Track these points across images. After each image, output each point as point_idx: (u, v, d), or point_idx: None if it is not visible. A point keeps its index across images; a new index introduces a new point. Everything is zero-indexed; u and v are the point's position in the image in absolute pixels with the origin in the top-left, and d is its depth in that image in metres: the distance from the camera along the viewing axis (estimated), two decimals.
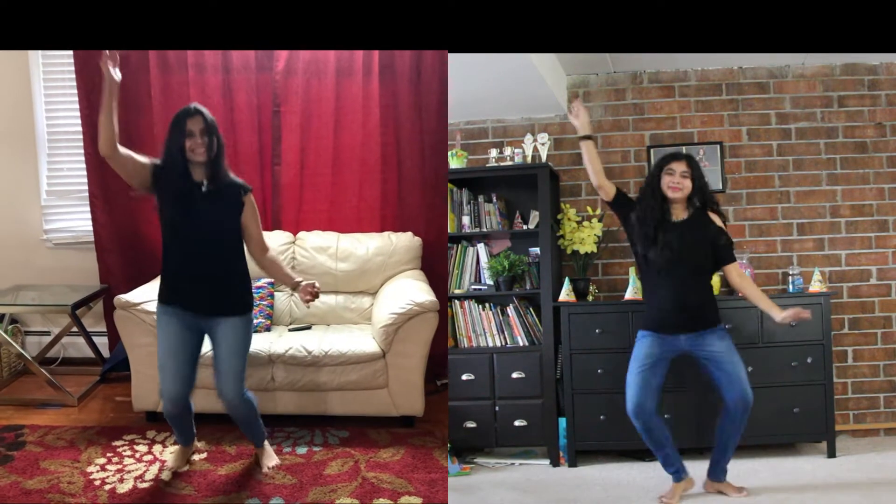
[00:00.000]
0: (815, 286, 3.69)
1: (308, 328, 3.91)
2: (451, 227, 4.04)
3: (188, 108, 2.70)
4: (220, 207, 2.76)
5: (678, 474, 3.10)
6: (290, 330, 3.87)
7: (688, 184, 3.02)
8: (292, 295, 4.10)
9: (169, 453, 3.21)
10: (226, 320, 2.79)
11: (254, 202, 2.87)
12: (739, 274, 3.10)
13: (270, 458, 3.09)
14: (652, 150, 4.15)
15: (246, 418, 2.96)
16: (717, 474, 3.11)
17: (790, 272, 3.84)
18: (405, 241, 4.15)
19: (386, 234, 4.20)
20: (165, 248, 2.79)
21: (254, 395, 2.96)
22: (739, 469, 3.43)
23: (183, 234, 2.73)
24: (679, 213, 3.06)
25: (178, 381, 2.80)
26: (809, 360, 3.56)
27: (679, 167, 3.03)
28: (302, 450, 3.27)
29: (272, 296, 4.02)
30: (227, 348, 2.80)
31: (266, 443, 3.13)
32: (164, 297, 2.82)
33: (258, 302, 3.88)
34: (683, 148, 4.11)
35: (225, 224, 2.79)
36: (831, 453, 3.57)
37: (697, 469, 3.35)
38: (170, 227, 2.76)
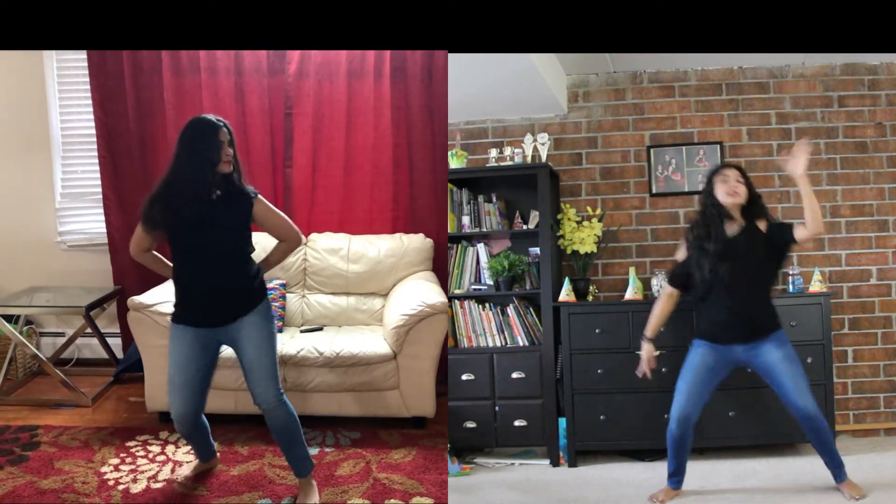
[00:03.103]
0: (815, 286, 3.69)
1: (320, 329, 3.92)
2: (450, 227, 4.04)
3: (213, 122, 2.58)
4: (230, 216, 2.66)
5: (679, 483, 3.12)
6: (301, 331, 3.88)
7: (743, 189, 2.97)
8: (304, 296, 4.10)
9: (182, 453, 3.22)
10: (244, 320, 2.68)
11: (264, 201, 2.77)
12: (802, 225, 2.91)
13: (312, 497, 2.79)
14: (652, 150, 4.15)
15: (287, 429, 2.72)
16: (834, 477, 3.04)
17: (790, 272, 3.84)
18: (416, 243, 4.14)
19: (397, 235, 4.20)
20: (176, 265, 2.71)
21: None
22: (739, 469, 3.43)
23: (195, 248, 2.65)
24: (733, 227, 2.98)
25: (185, 399, 2.71)
26: (809, 360, 3.56)
27: (733, 174, 2.99)
28: (314, 451, 3.28)
29: (284, 297, 4.02)
30: (253, 348, 2.67)
31: (311, 477, 2.84)
32: (176, 316, 2.72)
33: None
34: (683, 148, 4.13)
35: (235, 232, 2.70)
36: None
37: (694, 469, 3.35)
38: (181, 241, 2.66)
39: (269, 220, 2.79)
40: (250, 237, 2.76)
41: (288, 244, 2.89)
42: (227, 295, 2.67)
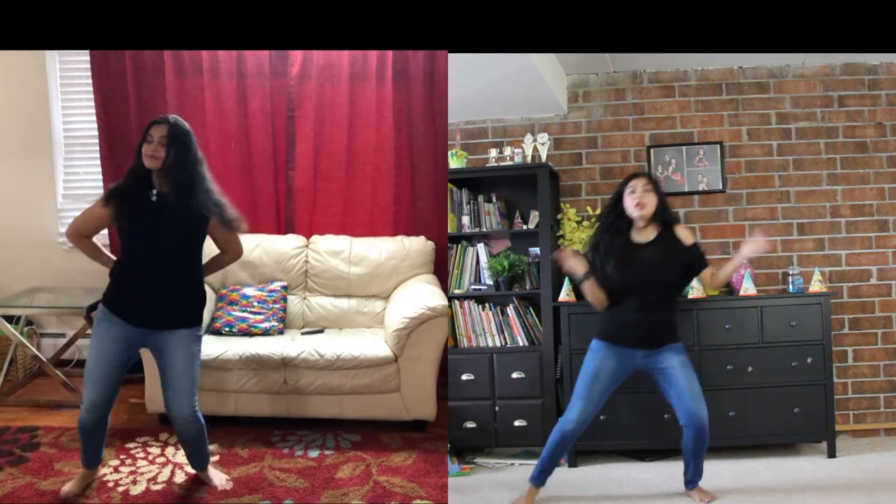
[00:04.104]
0: (815, 286, 3.68)
1: (320, 332, 3.91)
2: (450, 227, 4.04)
3: (159, 117, 2.68)
4: (177, 222, 2.65)
5: (542, 479, 3.09)
6: (302, 334, 3.87)
7: (651, 199, 2.95)
8: (305, 298, 4.12)
9: (182, 455, 3.16)
10: (175, 333, 2.69)
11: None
12: (711, 273, 3.07)
13: (217, 477, 2.95)
14: (652, 150, 4.15)
15: (196, 438, 2.82)
16: (685, 484, 3.08)
17: (790, 272, 3.84)
18: (418, 245, 4.14)
19: (399, 238, 4.19)
20: (121, 258, 2.75)
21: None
22: (739, 469, 3.43)
23: (135, 246, 2.68)
24: (646, 234, 3.00)
25: (102, 391, 2.69)
26: (809, 360, 3.56)
27: (639, 183, 2.97)
28: (314, 453, 3.27)
29: (285, 299, 4.02)
30: (179, 362, 2.69)
31: (209, 466, 2.98)
32: (109, 303, 2.70)
33: (271, 305, 3.90)
34: (683, 148, 4.13)
35: (180, 240, 2.69)
36: (831, 453, 3.57)
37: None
38: (124, 237, 2.70)
39: (219, 234, 2.82)
40: (200, 246, 2.77)
41: (230, 257, 2.94)
42: (164, 299, 2.68)
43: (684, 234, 3.01)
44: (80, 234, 2.82)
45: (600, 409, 3.61)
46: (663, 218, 3.00)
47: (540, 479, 3.08)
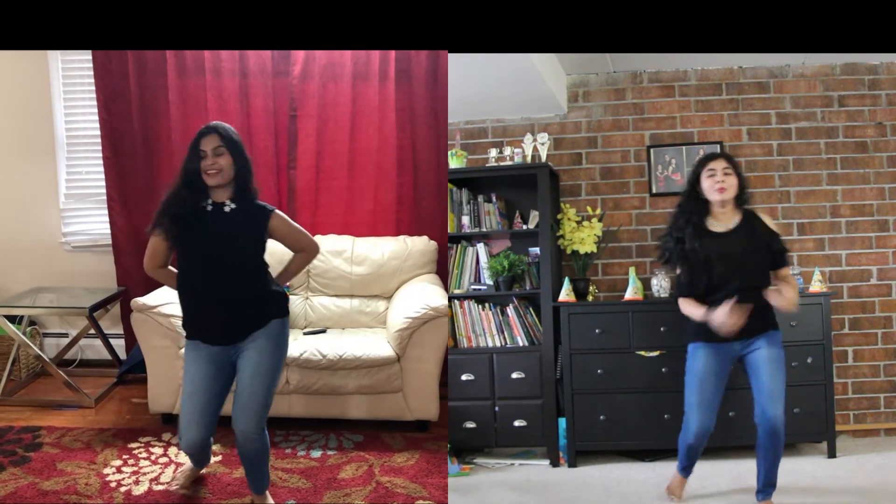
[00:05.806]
0: (816, 286, 3.68)
1: (323, 332, 3.91)
2: (450, 227, 4.04)
3: (204, 127, 2.53)
4: (241, 230, 2.55)
5: (686, 472, 3.08)
6: (304, 333, 3.87)
7: (732, 181, 2.79)
8: (307, 298, 4.11)
9: (185, 456, 3.17)
10: (251, 342, 2.55)
11: (280, 214, 2.66)
12: (785, 277, 2.89)
13: None
14: (652, 150, 4.15)
15: (256, 457, 2.62)
16: (756, 493, 2.88)
17: (790, 272, 3.83)
18: (420, 245, 4.13)
19: (401, 237, 4.19)
20: (182, 277, 2.60)
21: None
22: (740, 469, 3.43)
23: (202, 260, 2.53)
24: (726, 219, 2.84)
25: (195, 426, 2.56)
26: (809, 360, 3.56)
27: (720, 165, 2.81)
28: (316, 453, 3.27)
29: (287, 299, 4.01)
30: (246, 373, 2.53)
31: (267, 493, 2.77)
32: (188, 332, 2.61)
33: None
34: (683, 148, 4.13)
35: (247, 247, 2.57)
36: (831, 453, 3.57)
37: (694, 469, 3.35)
38: (187, 253, 2.56)
39: (288, 235, 2.68)
40: (263, 251, 2.63)
41: (307, 255, 2.78)
42: (235, 311, 2.55)
43: (768, 219, 2.87)
44: (156, 266, 2.67)
45: (601, 409, 3.65)
46: (744, 200, 2.86)
47: (684, 473, 3.06)
